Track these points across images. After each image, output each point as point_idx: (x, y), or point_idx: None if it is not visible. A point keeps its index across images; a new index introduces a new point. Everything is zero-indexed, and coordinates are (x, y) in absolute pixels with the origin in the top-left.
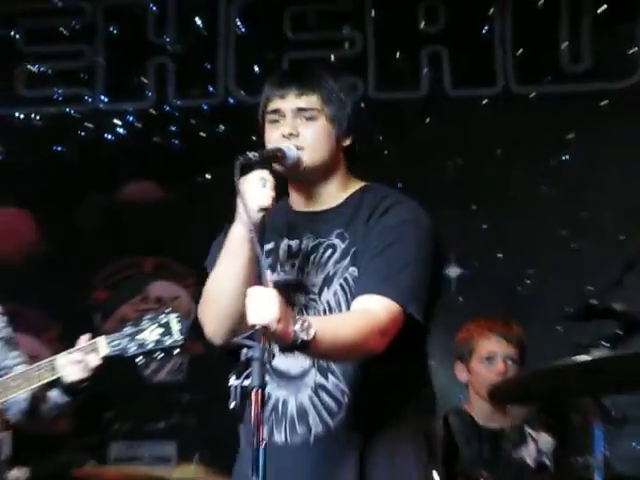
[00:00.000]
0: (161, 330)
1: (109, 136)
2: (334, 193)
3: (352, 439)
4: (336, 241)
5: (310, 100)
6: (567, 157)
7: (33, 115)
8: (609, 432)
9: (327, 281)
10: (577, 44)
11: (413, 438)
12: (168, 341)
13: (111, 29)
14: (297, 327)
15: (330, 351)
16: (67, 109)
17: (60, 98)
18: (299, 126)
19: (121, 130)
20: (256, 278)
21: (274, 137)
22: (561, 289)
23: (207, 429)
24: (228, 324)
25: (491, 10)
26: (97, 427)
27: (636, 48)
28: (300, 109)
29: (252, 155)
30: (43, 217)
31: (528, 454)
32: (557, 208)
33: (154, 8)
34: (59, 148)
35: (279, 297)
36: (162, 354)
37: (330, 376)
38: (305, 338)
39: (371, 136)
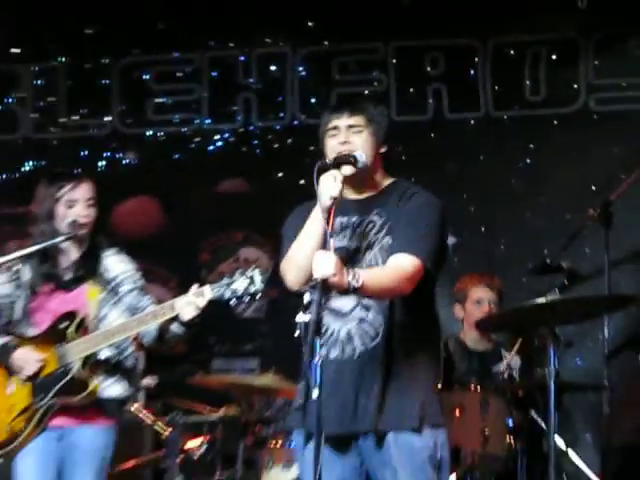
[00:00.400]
0: (248, 281)
1: (211, 147)
2: (373, 186)
3: (384, 358)
4: (375, 218)
5: (357, 119)
6: (529, 161)
7: (158, 133)
8: (559, 352)
9: (369, 246)
10: (536, 81)
11: (427, 356)
12: (253, 289)
13: (213, 73)
14: (350, 277)
15: (374, 292)
16: (182, 129)
17: (177, 121)
18: (350, 137)
19: (219, 143)
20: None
21: (332, 144)
22: (526, 252)
23: (280, 350)
24: (304, 276)
25: (476, 59)
26: (204, 348)
27: (576, 85)
28: (351, 125)
29: (328, 160)
30: (166, 203)
31: (502, 369)
32: (523, 196)
33: (242, 58)
34: (177, 156)
35: (336, 258)
36: (249, 298)
37: (370, 312)
38: (356, 285)
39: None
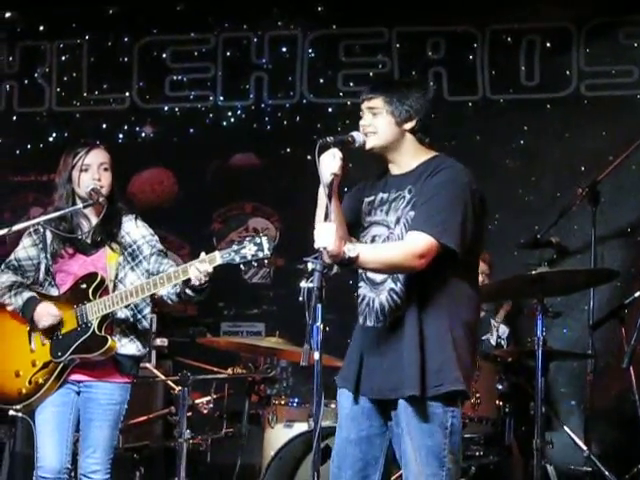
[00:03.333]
0: (256, 247)
1: (224, 123)
2: (408, 161)
3: (414, 324)
4: (406, 193)
5: (375, 102)
6: (522, 141)
7: (175, 108)
8: (547, 322)
9: (398, 220)
10: (531, 67)
11: (450, 324)
12: (261, 255)
13: (227, 53)
14: (346, 249)
15: (373, 266)
16: (197, 105)
17: (192, 97)
18: (369, 119)
19: (232, 120)
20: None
21: (360, 124)
22: (518, 228)
23: (284, 314)
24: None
25: (475, 45)
26: (213, 312)
27: (569, 71)
28: (369, 107)
29: (329, 139)
30: (181, 175)
31: (491, 337)
32: (516, 175)
33: (255, 40)
34: (191, 130)
35: (334, 229)
36: (257, 264)
37: (398, 283)
38: (351, 256)
39: None
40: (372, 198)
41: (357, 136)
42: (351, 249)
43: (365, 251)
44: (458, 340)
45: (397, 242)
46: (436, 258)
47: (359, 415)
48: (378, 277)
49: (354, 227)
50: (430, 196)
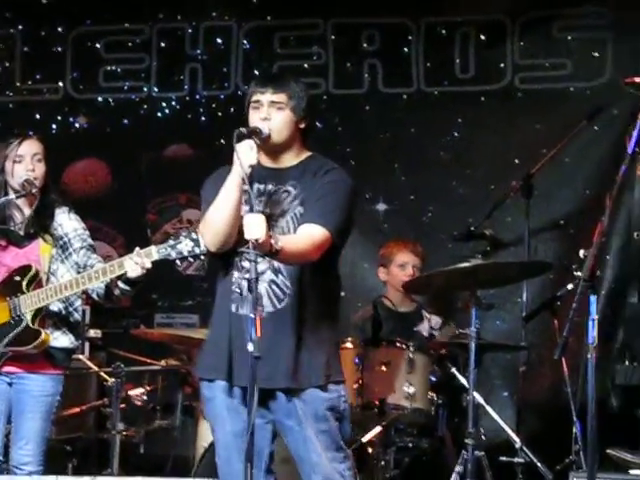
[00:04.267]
0: (193, 243)
1: (158, 114)
2: (291, 158)
3: (291, 319)
4: (290, 188)
5: (280, 96)
6: (457, 134)
7: (109, 99)
8: (480, 314)
9: (282, 213)
10: (465, 60)
11: (331, 316)
12: (197, 250)
13: (161, 44)
14: (273, 241)
15: (290, 257)
16: (131, 96)
17: (126, 88)
18: (271, 113)
19: (167, 110)
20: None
21: (254, 118)
22: (451, 220)
23: None
24: (220, 240)
25: (410, 37)
26: (147, 304)
27: (503, 64)
28: (273, 102)
29: (243, 129)
30: (114, 166)
31: (424, 328)
32: (450, 167)
33: (189, 31)
34: (125, 121)
35: (265, 221)
36: (193, 259)
37: (279, 275)
38: (277, 248)
39: (330, 119)
40: (245, 188)
41: (263, 128)
42: (277, 240)
43: (285, 243)
44: (335, 328)
45: (300, 234)
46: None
47: (238, 406)
48: (259, 267)
49: None
50: (324, 195)
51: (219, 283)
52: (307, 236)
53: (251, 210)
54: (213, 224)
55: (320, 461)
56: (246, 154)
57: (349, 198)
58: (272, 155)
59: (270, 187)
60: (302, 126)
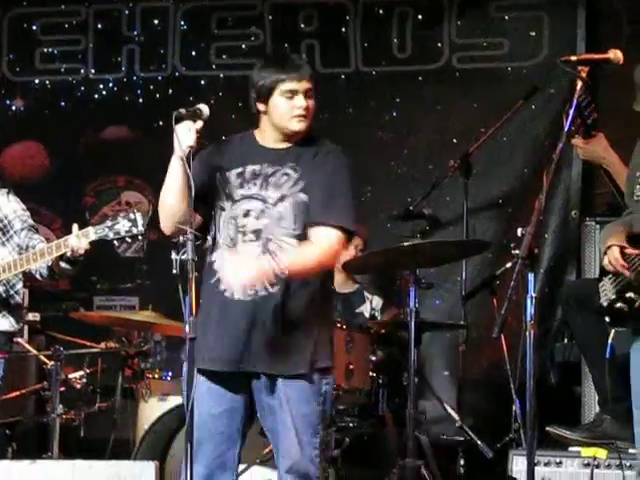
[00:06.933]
0: (130, 224)
1: (96, 96)
2: (290, 137)
3: (281, 303)
4: (289, 171)
5: (311, 83)
6: (395, 114)
7: (46, 81)
8: (420, 293)
9: (282, 198)
10: (403, 40)
11: (322, 302)
12: (135, 230)
13: (98, 25)
14: (277, 271)
15: (301, 275)
16: (68, 78)
17: (63, 70)
18: (309, 101)
19: (104, 92)
20: (188, 189)
21: (290, 106)
22: (390, 200)
23: (157, 288)
24: (172, 220)
25: (347, 17)
26: (86, 286)
27: (440, 44)
28: (308, 89)
29: (182, 110)
30: (52, 148)
31: (365, 309)
32: (389, 147)
33: (126, 12)
34: (63, 103)
35: (255, 266)
36: (130, 239)
37: (274, 259)
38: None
39: None
40: (240, 170)
41: (204, 108)
42: (282, 270)
43: (292, 266)
44: (326, 314)
45: (315, 247)
46: None
47: (218, 389)
48: (252, 251)
49: (205, 197)
50: (331, 184)
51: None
52: (323, 248)
53: (190, 190)
54: (164, 208)
55: (293, 445)
56: (184, 135)
57: (354, 184)
58: (276, 135)
59: (267, 168)
60: None
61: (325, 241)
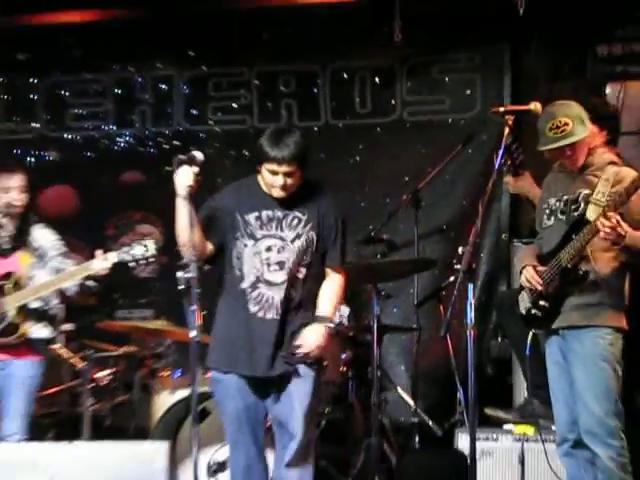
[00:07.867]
0: (144, 248)
1: (116, 147)
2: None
3: (294, 318)
4: (298, 214)
5: (292, 167)
6: (358, 158)
7: (76, 136)
8: (381, 303)
9: (297, 237)
10: (364, 98)
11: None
12: (147, 254)
13: (117, 90)
14: (337, 319)
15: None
16: (93, 133)
17: (89, 127)
18: (287, 180)
19: (122, 144)
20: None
21: (270, 181)
22: (355, 228)
23: (168, 301)
24: (186, 250)
25: (318, 81)
26: (110, 302)
27: (394, 101)
28: (287, 172)
29: (181, 156)
30: (80, 190)
31: (335, 317)
32: (353, 185)
33: (139, 79)
34: (89, 154)
35: (322, 332)
36: (144, 261)
37: (293, 287)
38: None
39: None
40: (257, 214)
41: (198, 155)
42: (339, 316)
43: (336, 303)
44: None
45: (335, 285)
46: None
47: (242, 388)
48: (278, 279)
49: (217, 230)
50: (335, 234)
51: (230, 287)
52: (340, 286)
53: (191, 225)
54: (179, 239)
55: (300, 431)
56: (183, 177)
57: (346, 228)
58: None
59: (278, 213)
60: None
61: (339, 278)
